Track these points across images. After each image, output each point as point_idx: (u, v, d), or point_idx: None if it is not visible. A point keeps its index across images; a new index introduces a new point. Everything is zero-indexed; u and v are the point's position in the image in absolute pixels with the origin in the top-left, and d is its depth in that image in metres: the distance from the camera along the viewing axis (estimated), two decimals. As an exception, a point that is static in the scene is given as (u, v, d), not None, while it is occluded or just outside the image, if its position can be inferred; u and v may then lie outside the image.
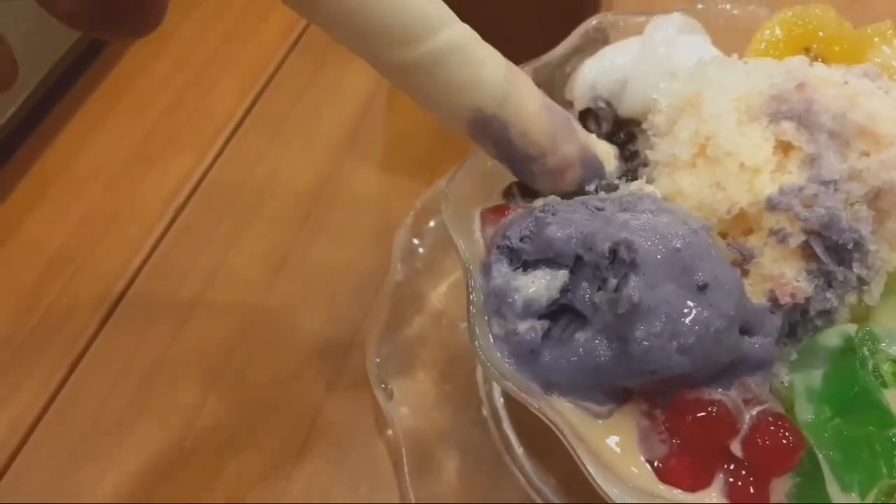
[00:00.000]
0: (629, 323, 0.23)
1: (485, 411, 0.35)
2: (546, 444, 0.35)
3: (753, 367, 0.25)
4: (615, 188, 0.29)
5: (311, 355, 0.38)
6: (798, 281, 0.26)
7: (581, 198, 0.27)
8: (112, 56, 0.50)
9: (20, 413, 0.36)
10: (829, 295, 0.26)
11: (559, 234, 0.25)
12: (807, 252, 0.26)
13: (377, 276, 0.39)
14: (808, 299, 0.26)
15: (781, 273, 0.26)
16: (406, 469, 0.33)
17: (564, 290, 0.25)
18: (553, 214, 0.25)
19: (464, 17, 0.45)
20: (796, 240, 0.26)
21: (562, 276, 0.25)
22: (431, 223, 0.37)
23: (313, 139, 0.46)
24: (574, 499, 0.33)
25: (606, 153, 0.30)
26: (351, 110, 0.47)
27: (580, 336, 0.25)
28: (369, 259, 0.40)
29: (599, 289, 0.24)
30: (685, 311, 0.23)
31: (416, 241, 0.36)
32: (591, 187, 0.29)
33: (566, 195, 0.28)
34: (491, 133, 0.27)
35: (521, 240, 0.26)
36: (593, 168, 0.29)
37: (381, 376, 0.34)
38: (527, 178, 0.29)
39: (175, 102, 0.47)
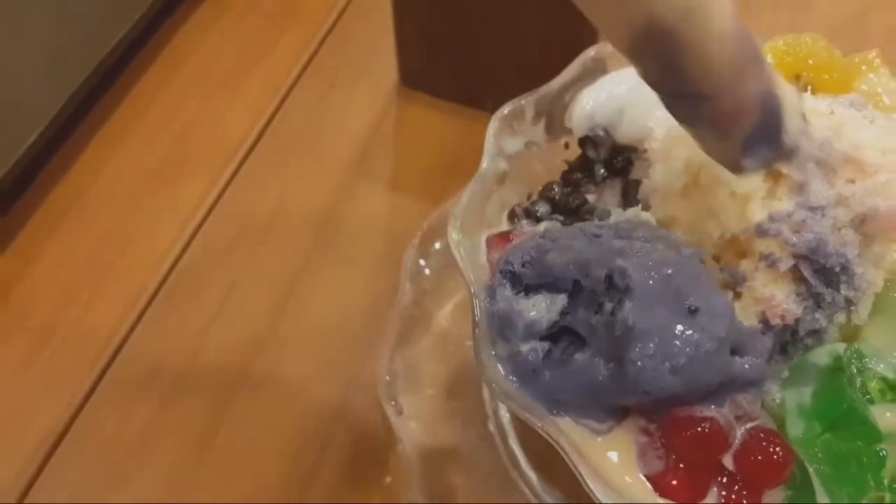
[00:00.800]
0: (624, 345, 0.24)
1: (491, 427, 0.37)
2: (551, 460, 0.36)
3: (744, 385, 0.26)
4: (609, 214, 0.30)
5: (322, 373, 0.39)
6: (787, 303, 0.27)
7: (580, 224, 0.28)
8: (128, 81, 0.51)
9: (45, 433, 0.38)
10: (818, 315, 0.27)
11: (558, 261, 0.26)
12: (796, 275, 0.27)
13: (386, 296, 0.41)
14: (797, 320, 0.27)
15: (772, 295, 0.27)
16: (417, 483, 0.34)
17: (564, 313, 0.26)
18: (553, 241, 0.27)
19: (468, 50, 0.46)
20: (785, 264, 0.27)
21: (561, 300, 0.26)
22: (437, 245, 0.38)
23: (324, 161, 0.48)
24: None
25: (792, 103, 0.24)
26: (360, 132, 0.49)
27: (579, 357, 0.26)
28: (378, 279, 0.42)
29: (596, 312, 0.25)
30: (677, 333, 0.24)
31: (422, 262, 0.38)
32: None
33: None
34: (659, 55, 0.21)
35: (523, 265, 0.27)
36: (772, 119, 0.23)
37: (391, 393, 0.36)
38: (684, 119, 0.24)
39: (189, 126, 0.49)
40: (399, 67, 0.50)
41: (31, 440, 0.37)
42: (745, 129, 0.23)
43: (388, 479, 0.36)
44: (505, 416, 0.37)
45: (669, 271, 0.25)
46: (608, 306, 0.25)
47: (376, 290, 0.42)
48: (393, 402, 0.35)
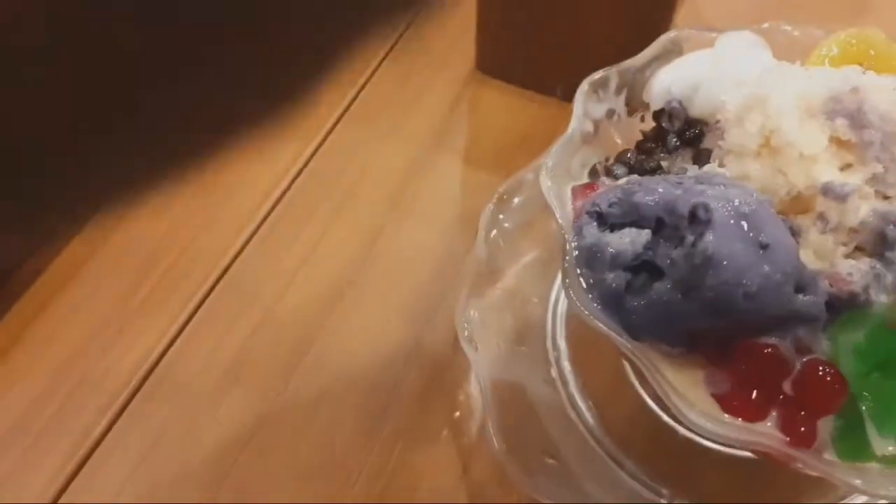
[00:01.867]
0: (702, 273, 0.28)
1: (553, 373, 0.40)
2: (606, 405, 0.39)
3: (805, 321, 0.29)
4: (686, 171, 0.33)
5: (397, 316, 0.43)
6: (855, 277, 0.30)
7: (661, 175, 0.32)
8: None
9: (136, 361, 0.42)
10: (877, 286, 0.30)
11: (645, 200, 0.29)
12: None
13: (459, 254, 0.45)
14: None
15: (838, 272, 0.30)
16: (485, 417, 0.38)
17: (647, 248, 0.29)
18: (639, 185, 0.30)
19: (543, 38, 0.50)
20: (839, 238, 0.30)
21: (645, 234, 0.29)
22: (516, 200, 0.42)
23: (403, 135, 0.52)
24: (632, 451, 0.38)
25: None
26: (437, 112, 0.53)
27: (658, 286, 0.29)
28: (453, 238, 0.46)
29: (677, 246, 0.29)
30: (750, 264, 0.27)
31: (501, 217, 0.41)
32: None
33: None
34: None
35: (610, 205, 0.30)
36: None
37: (468, 333, 0.39)
38: None
39: (281, 96, 0.53)
40: (476, 54, 0.54)
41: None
42: None
43: (457, 413, 0.40)
44: (566, 365, 0.40)
45: (746, 210, 0.28)
46: (689, 239, 0.28)
47: (450, 248, 0.45)
48: (469, 339, 0.38)
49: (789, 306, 0.28)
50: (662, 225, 0.29)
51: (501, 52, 0.53)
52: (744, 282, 0.27)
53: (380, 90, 0.54)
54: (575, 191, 0.33)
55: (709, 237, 0.28)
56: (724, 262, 0.27)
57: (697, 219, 0.28)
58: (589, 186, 0.33)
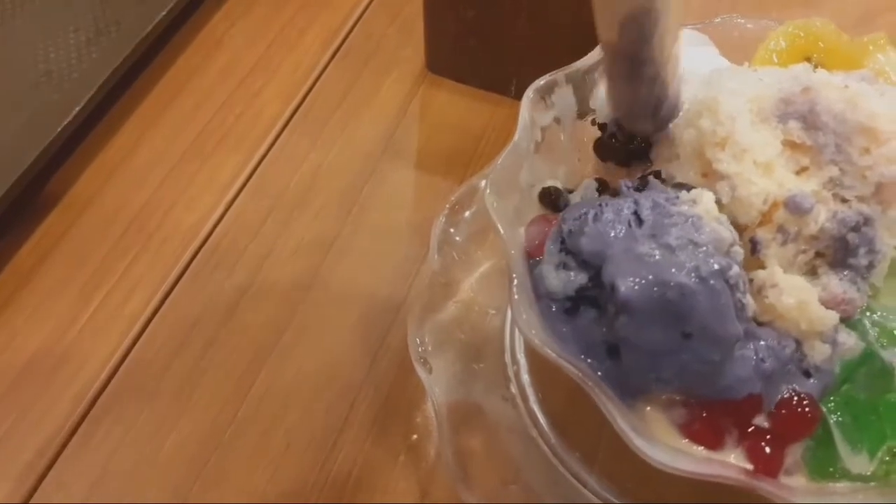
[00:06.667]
0: (620, 346, 0.27)
1: (513, 389, 0.39)
2: (568, 421, 0.38)
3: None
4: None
5: (352, 336, 0.41)
6: (850, 293, 0.29)
7: (640, 195, 0.29)
8: (166, 61, 0.53)
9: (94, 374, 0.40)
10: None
11: (587, 248, 0.28)
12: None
13: (413, 266, 0.43)
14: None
15: (835, 293, 0.29)
16: (442, 440, 0.36)
17: (581, 290, 0.28)
18: (594, 221, 0.28)
19: (493, 36, 0.48)
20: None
21: (581, 278, 0.28)
22: (466, 213, 0.40)
23: (352, 141, 0.49)
24: (595, 467, 0.36)
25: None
26: (387, 114, 0.51)
27: (587, 316, 0.28)
28: (406, 250, 0.44)
29: (608, 303, 0.27)
30: (666, 352, 0.26)
31: (452, 231, 0.39)
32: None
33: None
34: (641, 26, 0.28)
35: (570, 231, 0.29)
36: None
37: (421, 355, 0.37)
38: (627, 75, 0.30)
39: (225, 105, 0.51)
40: (426, 53, 0.52)
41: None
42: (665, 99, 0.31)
43: (415, 436, 0.38)
44: (526, 379, 0.39)
45: (673, 297, 0.26)
46: (611, 309, 0.27)
47: (404, 261, 0.43)
48: (423, 360, 0.37)
49: (724, 381, 0.27)
50: (600, 273, 0.27)
51: (451, 50, 0.51)
52: (658, 368, 0.26)
53: (326, 93, 0.52)
54: (532, 223, 0.32)
55: (622, 319, 0.26)
56: (637, 348, 0.26)
57: (616, 295, 0.26)
58: (545, 219, 0.31)
